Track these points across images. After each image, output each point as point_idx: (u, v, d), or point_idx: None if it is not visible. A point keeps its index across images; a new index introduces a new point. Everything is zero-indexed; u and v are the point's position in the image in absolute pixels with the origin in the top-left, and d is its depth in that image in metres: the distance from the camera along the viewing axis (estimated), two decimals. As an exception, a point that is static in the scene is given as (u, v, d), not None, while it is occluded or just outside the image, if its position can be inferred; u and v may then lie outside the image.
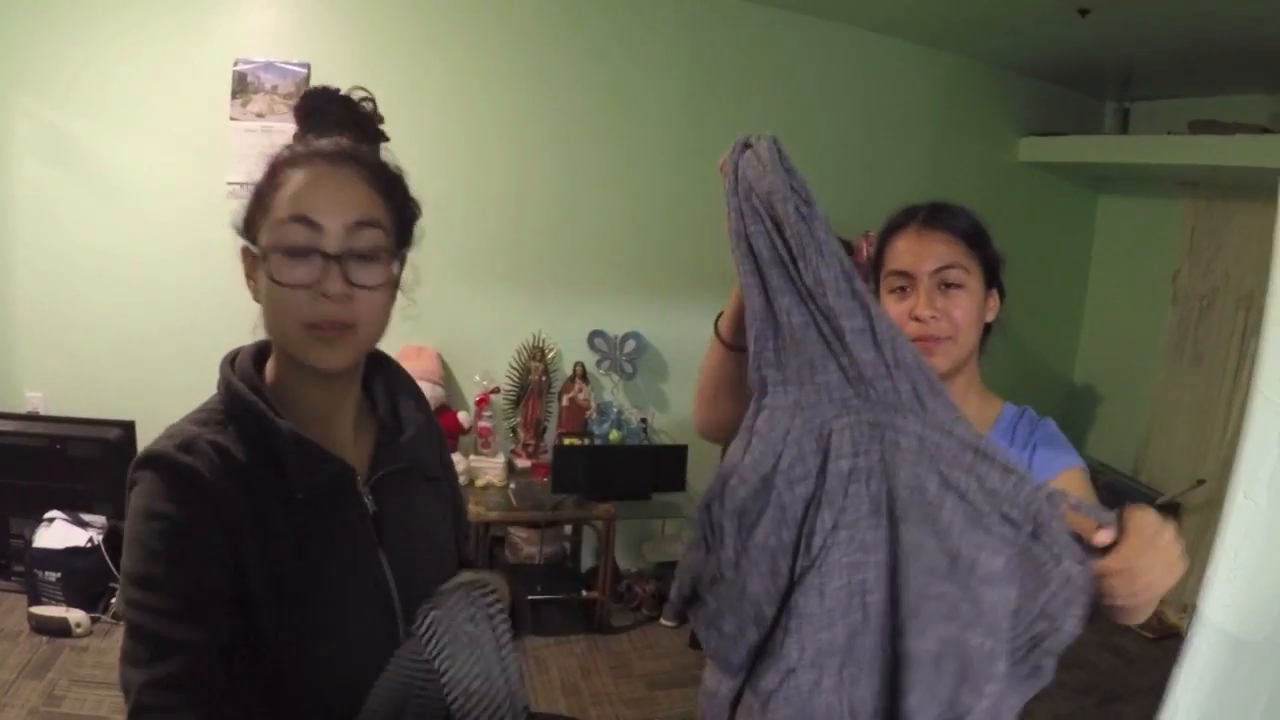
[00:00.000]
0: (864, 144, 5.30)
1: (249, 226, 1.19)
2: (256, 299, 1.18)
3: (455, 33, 4.44)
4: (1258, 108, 4.58)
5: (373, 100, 1.32)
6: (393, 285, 1.23)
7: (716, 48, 4.90)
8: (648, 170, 4.87)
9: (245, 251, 1.19)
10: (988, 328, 1.70)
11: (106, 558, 3.79)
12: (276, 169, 1.18)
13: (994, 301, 1.68)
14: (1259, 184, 4.53)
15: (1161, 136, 5.00)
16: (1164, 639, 4.75)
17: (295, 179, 1.15)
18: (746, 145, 1.31)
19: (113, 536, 3.83)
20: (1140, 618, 1.20)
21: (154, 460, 1.12)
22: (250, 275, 1.19)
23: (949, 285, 1.59)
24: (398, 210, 1.24)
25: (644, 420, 4.87)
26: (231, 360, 1.25)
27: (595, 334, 4.79)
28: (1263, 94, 4.83)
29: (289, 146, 1.22)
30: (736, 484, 1.24)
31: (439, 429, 1.51)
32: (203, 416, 1.19)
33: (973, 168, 5.65)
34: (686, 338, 4.87)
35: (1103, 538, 1.11)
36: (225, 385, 1.21)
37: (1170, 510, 5.19)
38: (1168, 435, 5.55)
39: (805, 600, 1.20)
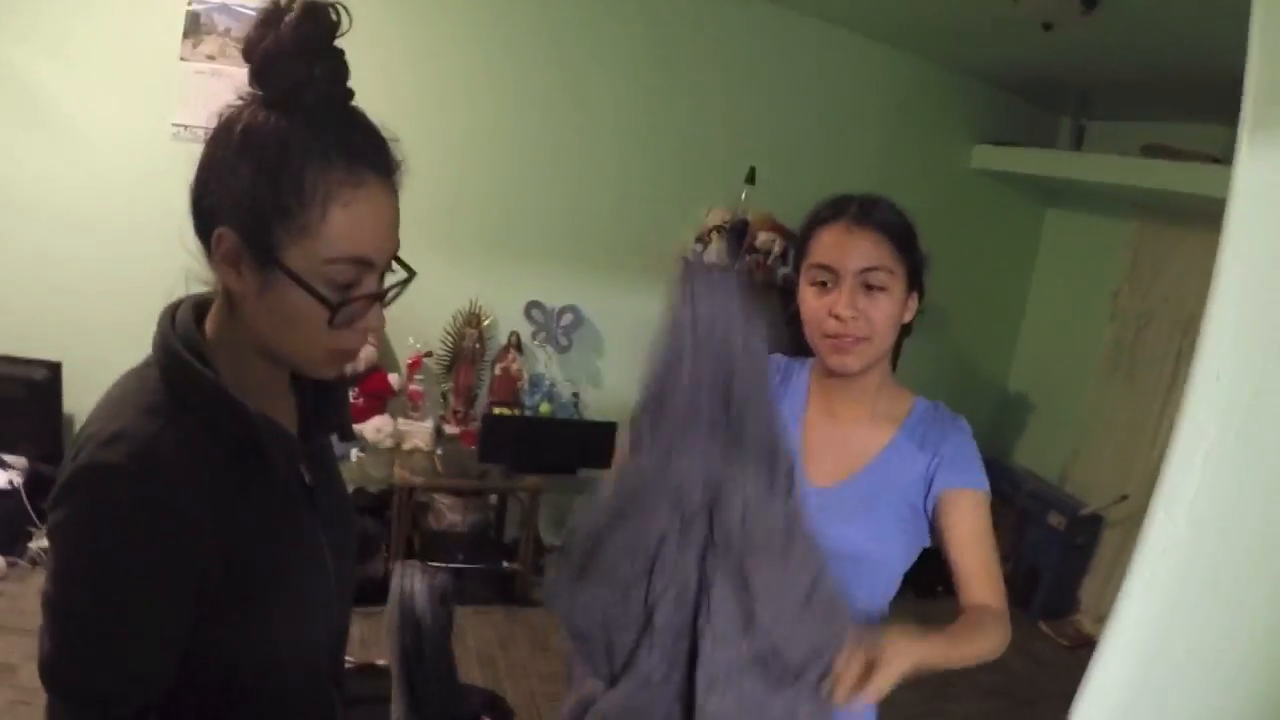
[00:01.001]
0: (817, 137, 5.30)
1: (259, 227, 1.02)
2: (231, 286, 1.06)
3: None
4: (1212, 138, 4.62)
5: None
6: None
7: (672, 29, 4.87)
8: (597, 146, 4.84)
9: (230, 240, 1.03)
10: (905, 327, 1.67)
11: (25, 501, 3.68)
12: (316, 190, 1.02)
13: (913, 303, 1.66)
14: (1206, 212, 4.56)
15: (1114, 156, 5.03)
16: (1079, 647, 4.86)
17: (352, 212, 1.03)
18: (702, 268, 1.26)
19: (34, 479, 3.74)
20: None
21: (103, 478, 0.98)
22: (233, 265, 1.04)
23: (872, 287, 1.57)
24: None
25: (576, 395, 4.84)
26: (171, 317, 1.12)
27: (532, 304, 4.74)
28: (1218, 125, 4.87)
29: (328, 163, 1.03)
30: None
31: (346, 393, 1.43)
32: (150, 402, 1.04)
33: (925, 170, 5.67)
34: (625, 315, 4.89)
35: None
36: (172, 360, 1.07)
37: (1093, 522, 5.27)
38: (1096, 449, 5.62)
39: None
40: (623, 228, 4.92)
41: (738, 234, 4.60)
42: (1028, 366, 6.42)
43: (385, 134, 1.10)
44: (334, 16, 1.04)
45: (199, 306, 1.15)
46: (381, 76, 4.21)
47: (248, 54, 1.05)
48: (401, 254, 1.14)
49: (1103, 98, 5.53)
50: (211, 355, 1.08)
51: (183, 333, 1.09)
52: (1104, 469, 5.50)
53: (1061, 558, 5.31)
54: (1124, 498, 5.09)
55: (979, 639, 1.52)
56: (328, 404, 1.28)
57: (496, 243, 4.70)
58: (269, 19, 1.02)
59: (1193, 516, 1.42)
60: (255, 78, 1.04)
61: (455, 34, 4.43)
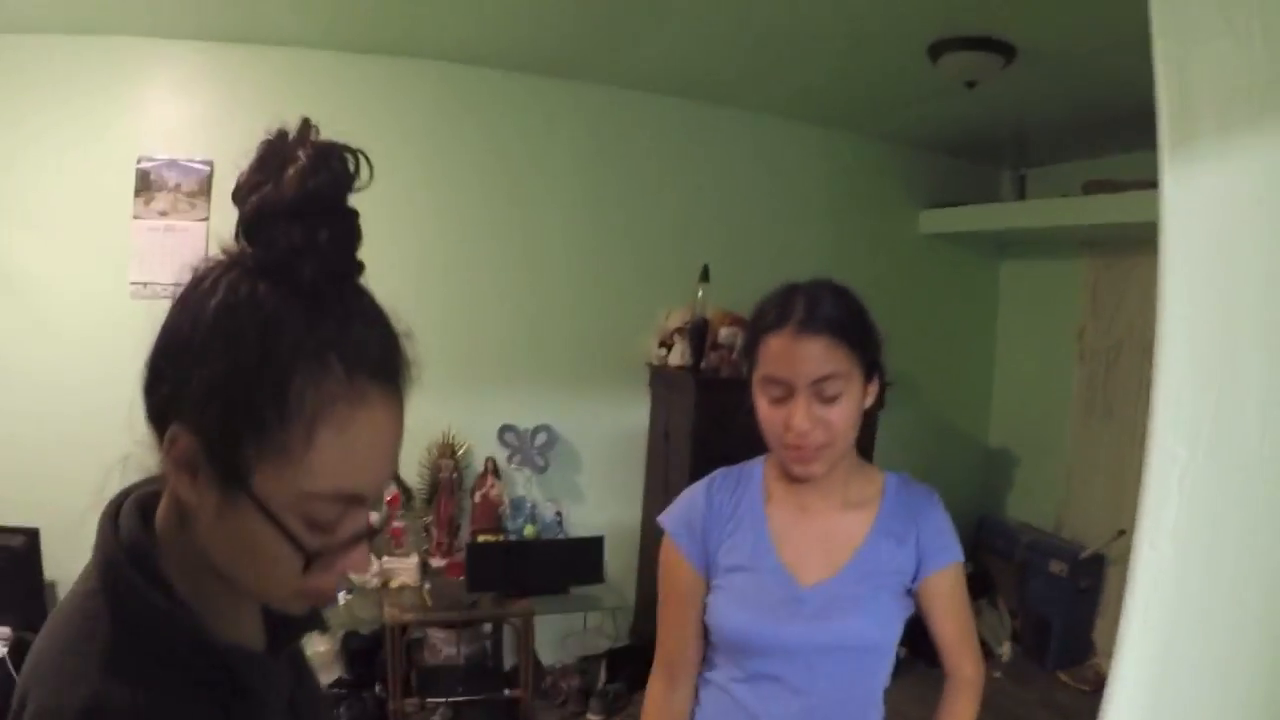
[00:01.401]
0: (766, 226, 5.34)
1: (225, 439, 0.79)
2: (183, 497, 0.83)
3: (355, 131, 4.33)
4: (1150, 164, 4.66)
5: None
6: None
7: (617, 138, 4.93)
8: (551, 262, 4.85)
9: (186, 443, 0.81)
10: (866, 412, 1.64)
11: (11, 670, 3.53)
12: (304, 404, 0.79)
13: (874, 388, 1.62)
14: (1154, 238, 4.61)
15: (1057, 199, 5.11)
16: (1098, 691, 4.73)
17: (347, 439, 0.82)
18: None
19: (19, 648, 3.60)
20: None
21: None
22: (188, 473, 0.82)
23: (827, 396, 1.53)
24: None
25: (559, 513, 4.77)
26: (113, 520, 0.90)
27: (505, 428, 4.70)
28: (1153, 151, 4.95)
29: (327, 367, 0.81)
30: None
31: None
32: (99, 656, 0.80)
33: (876, 242, 5.74)
34: (598, 428, 4.91)
35: None
36: (123, 590, 0.83)
37: (1095, 563, 5.22)
38: (1086, 490, 5.59)
39: None
40: (586, 341, 4.93)
41: (698, 333, 4.60)
42: (1006, 420, 6.41)
43: (397, 327, 0.90)
44: (352, 165, 0.84)
45: (145, 502, 0.92)
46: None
47: (237, 198, 0.84)
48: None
49: (1039, 144, 5.61)
50: (164, 565, 0.86)
51: (130, 545, 0.86)
52: (1097, 508, 5.45)
53: (1069, 604, 5.23)
54: (1121, 533, 5.04)
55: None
56: None
57: (462, 370, 4.67)
58: (269, 159, 0.83)
59: (1177, 542, 1.40)
60: (244, 232, 0.83)
61: (396, 165, 4.43)
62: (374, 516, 4.16)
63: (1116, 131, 4.80)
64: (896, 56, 3.98)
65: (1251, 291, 1.31)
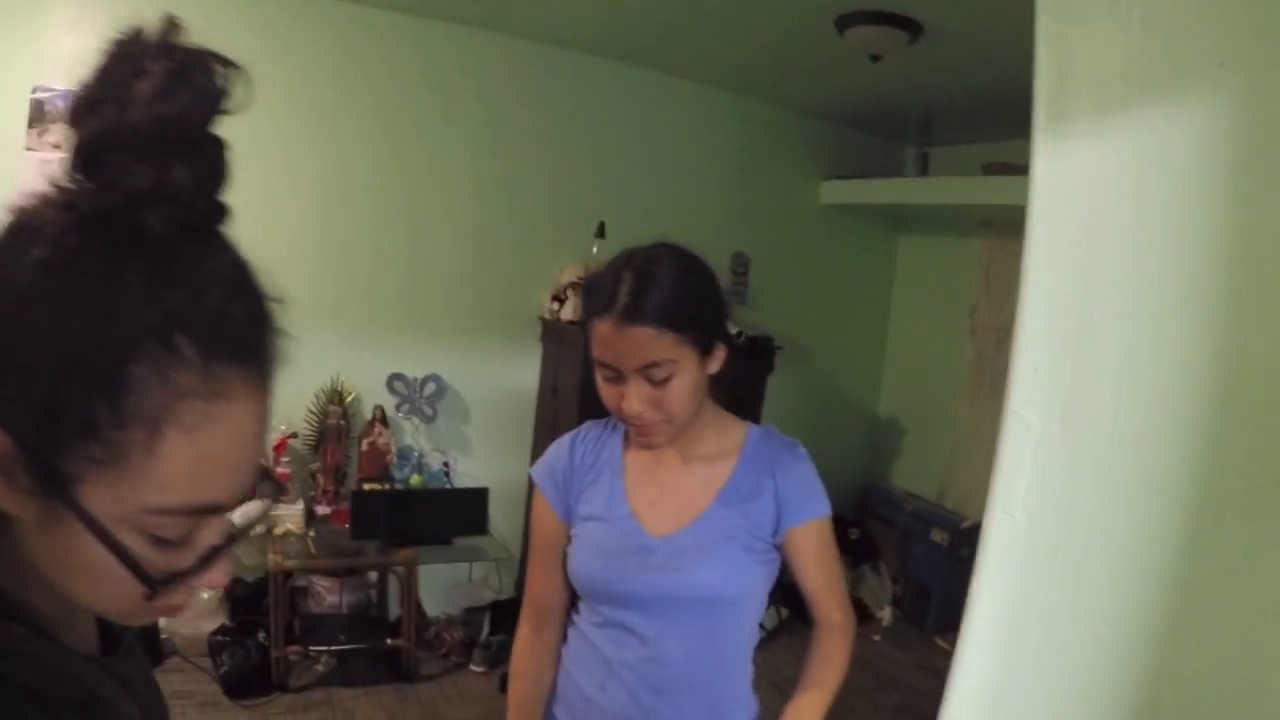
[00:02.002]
0: (665, 186, 5.34)
1: (44, 436, 0.61)
2: (4, 504, 0.64)
3: (261, 67, 4.21)
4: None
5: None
6: None
7: (521, 90, 4.88)
8: (446, 211, 4.81)
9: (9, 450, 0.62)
10: (718, 376, 1.63)
11: None
12: (145, 398, 0.61)
13: (718, 356, 1.61)
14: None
15: (957, 179, 5.20)
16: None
17: (199, 441, 0.64)
18: None
19: None
20: None
21: None
22: (2, 475, 0.63)
23: (657, 381, 1.52)
24: None
25: (446, 464, 4.75)
26: None
27: (394, 377, 4.66)
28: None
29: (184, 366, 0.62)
30: None
31: None
32: None
33: (775, 210, 5.79)
34: (488, 380, 4.91)
35: None
36: None
37: (975, 534, 5.35)
38: (970, 462, 5.74)
39: None
40: (478, 293, 4.89)
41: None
42: (896, 390, 6.54)
43: (267, 291, 0.72)
44: (222, 81, 0.66)
45: None
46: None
47: (74, 119, 0.65)
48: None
49: (943, 123, 5.70)
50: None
51: None
52: (980, 481, 5.51)
53: (949, 572, 5.37)
54: (1001, 507, 5.18)
55: (840, 666, 1.65)
56: None
57: (353, 317, 4.61)
58: (116, 68, 0.65)
59: (1029, 509, 1.44)
60: (80, 165, 0.64)
61: (288, 104, 4.34)
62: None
63: (1018, 116, 4.87)
64: (804, 26, 3.99)
65: (1113, 270, 1.35)
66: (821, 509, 1.66)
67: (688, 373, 1.53)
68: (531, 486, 2.00)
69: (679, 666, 1.60)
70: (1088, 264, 1.39)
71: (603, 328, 1.52)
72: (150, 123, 0.62)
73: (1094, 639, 1.35)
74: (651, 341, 1.49)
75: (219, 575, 0.71)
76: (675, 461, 1.69)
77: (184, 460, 0.63)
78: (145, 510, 0.64)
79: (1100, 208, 1.38)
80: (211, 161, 0.66)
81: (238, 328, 0.66)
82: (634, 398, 1.52)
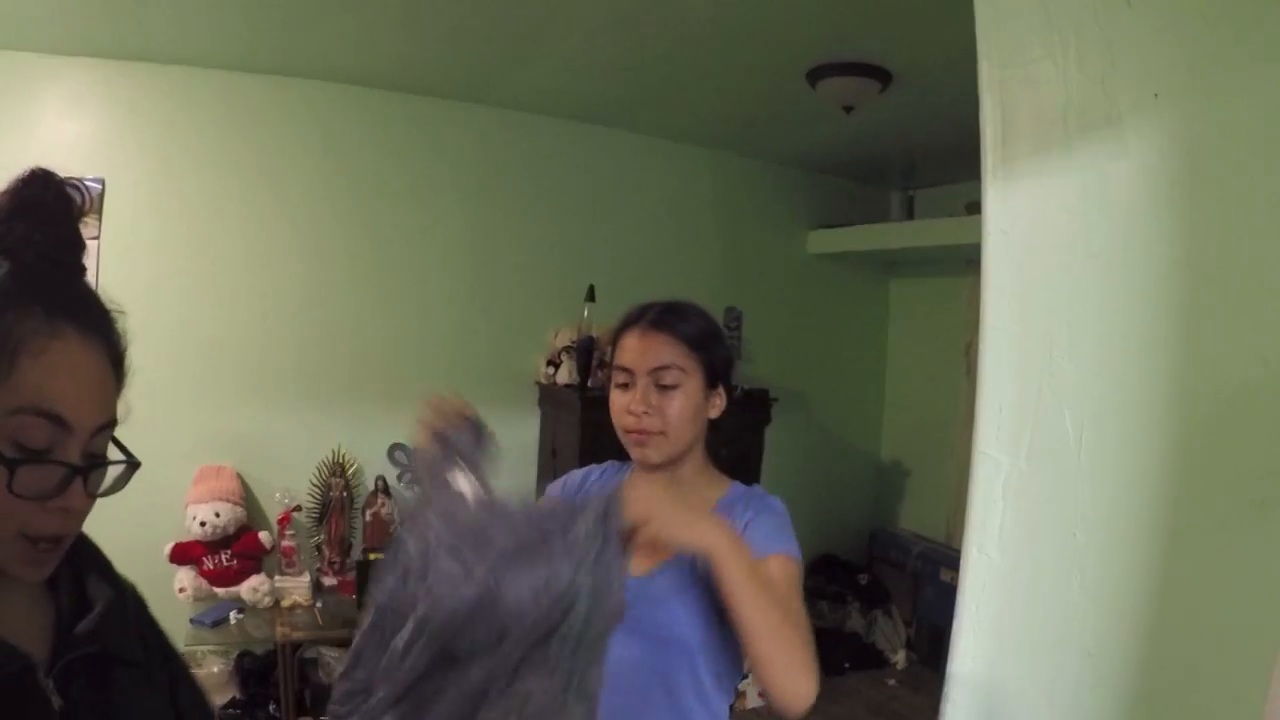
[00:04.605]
0: (653, 245, 5.38)
1: None
2: None
3: (244, 149, 4.37)
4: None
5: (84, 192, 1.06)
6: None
7: (505, 160, 4.94)
8: (439, 281, 4.86)
9: None
10: (715, 424, 1.77)
11: None
12: (8, 338, 0.88)
13: (719, 400, 1.75)
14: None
15: (940, 220, 5.23)
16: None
17: (43, 364, 0.89)
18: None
19: None
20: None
21: None
22: None
23: (664, 385, 1.67)
24: None
25: (449, 532, 4.75)
26: None
27: (395, 447, 4.62)
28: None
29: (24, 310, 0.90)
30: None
31: (140, 604, 1.14)
32: None
33: (764, 263, 5.82)
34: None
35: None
36: None
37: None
38: (973, 502, 5.70)
39: None
40: (474, 361, 4.92)
41: (585, 352, 4.63)
42: (897, 433, 6.53)
43: (108, 304, 1.00)
44: (77, 197, 1.01)
45: None
46: (220, 237, 4.24)
47: None
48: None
49: (925, 165, 5.73)
50: None
51: None
52: (984, 519, 5.57)
53: (960, 612, 5.33)
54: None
55: (771, 591, 1.47)
56: (76, 618, 1.00)
57: (352, 389, 4.64)
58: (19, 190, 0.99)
59: (1003, 546, 1.46)
60: None
61: (285, 182, 4.44)
62: (264, 537, 4.10)
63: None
64: (777, 81, 4.06)
65: (1065, 306, 1.38)
66: (787, 548, 1.63)
67: (692, 392, 1.68)
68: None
69: (624, 700, 1.58)
70: (1041, 302, 1.42)
71: (629, 338, 1.72)
72: (14, 204, 0.96)
73: (1074, 671, 1.37)
74: (669, 348, 1.68)
75: (76, 497, 0.91)
76: None
77: (33, 375, 0.87)
78: (6, 411, 0.86)
79: (1049, 246, 1.41)
80: (70, 234, 0.99)
81: (75, 304, 0.94)
82: (639, 398, 1.67)
